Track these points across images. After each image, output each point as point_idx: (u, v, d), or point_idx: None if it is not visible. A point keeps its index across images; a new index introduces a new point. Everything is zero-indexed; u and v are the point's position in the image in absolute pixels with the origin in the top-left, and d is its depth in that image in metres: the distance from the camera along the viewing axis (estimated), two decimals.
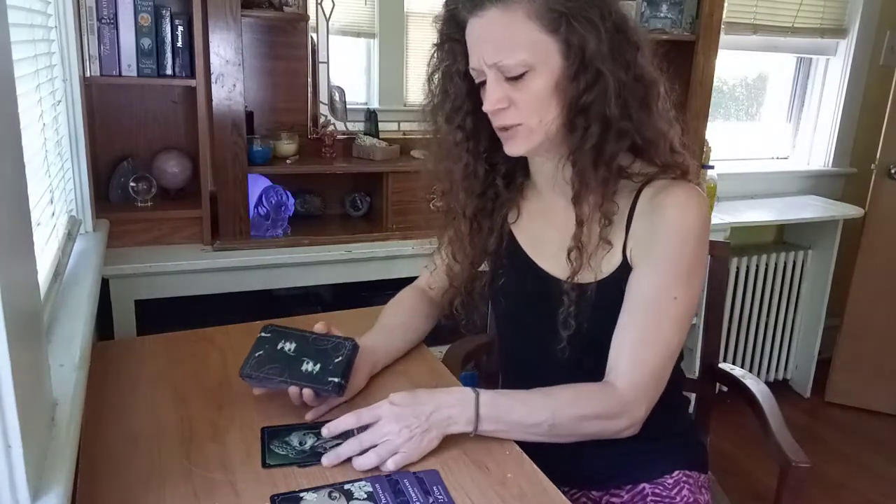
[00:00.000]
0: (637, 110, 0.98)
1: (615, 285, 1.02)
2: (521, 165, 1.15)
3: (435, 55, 1.08)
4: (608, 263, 1.03)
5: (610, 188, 1.00)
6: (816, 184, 3.12)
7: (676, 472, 1.09)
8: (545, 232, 1.13)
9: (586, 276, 1.03)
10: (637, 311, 0.99)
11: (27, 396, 0.65)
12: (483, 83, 1.01)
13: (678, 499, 1.06)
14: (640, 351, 0.98)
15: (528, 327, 1.15)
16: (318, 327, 1.07)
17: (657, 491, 1.07)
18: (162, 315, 1.77)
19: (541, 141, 1.01)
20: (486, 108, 0.99)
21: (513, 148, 1.03)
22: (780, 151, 3.22)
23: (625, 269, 1.02)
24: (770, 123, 3.20)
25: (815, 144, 3.17)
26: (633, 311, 0.99)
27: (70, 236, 1.42)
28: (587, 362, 1.03)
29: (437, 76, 1.09)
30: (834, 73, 3.07)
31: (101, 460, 0.87)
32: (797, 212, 2.81)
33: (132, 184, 1.91)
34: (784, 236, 3.08)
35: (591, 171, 0.99)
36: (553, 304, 1.05)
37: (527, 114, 0.98)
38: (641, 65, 0.98)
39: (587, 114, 0.97)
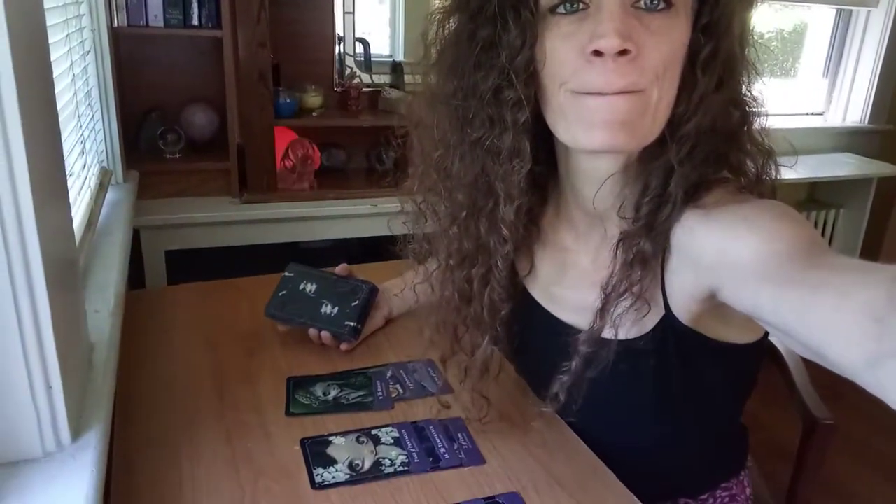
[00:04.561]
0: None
1: (649, 349, 0.76)
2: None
3: None
4: (637, 320, 0.75)
5: (671, 222, 0.71)
6: (851, 141, 3.05)
7: (719, 491, 0.94)
8: (561, 278, 0.86)
9: (606, 333, 0.75)
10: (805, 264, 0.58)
11: (66, 340, 0.67)
12: (574, 10, 0.66)
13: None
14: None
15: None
16: (340, 269, 1.12)
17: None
18: (191, 267, 1.80)
19: (644, 136, 0.68)
20: (602, 45, 0.63)
21: (611, 135, 0.67)
22: (815, 107, 3.14)
23: (668, 328, 0.74)
24: (806, 78, 3.11)
25: (851, 100, 3.08)
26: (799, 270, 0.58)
27: (102, 187, 1.44)
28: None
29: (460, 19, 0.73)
30: (875, 25, 2.96)
31: (137, 402, 0.90)
32: (830, 169, 2.75)
33: (160, 136, 1.93)
34: (815, 194, 3.02)
35: (661, 198, 0.71)
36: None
37: (652, 75, 0.65)
38: None
39: (700, 121, 0.69)
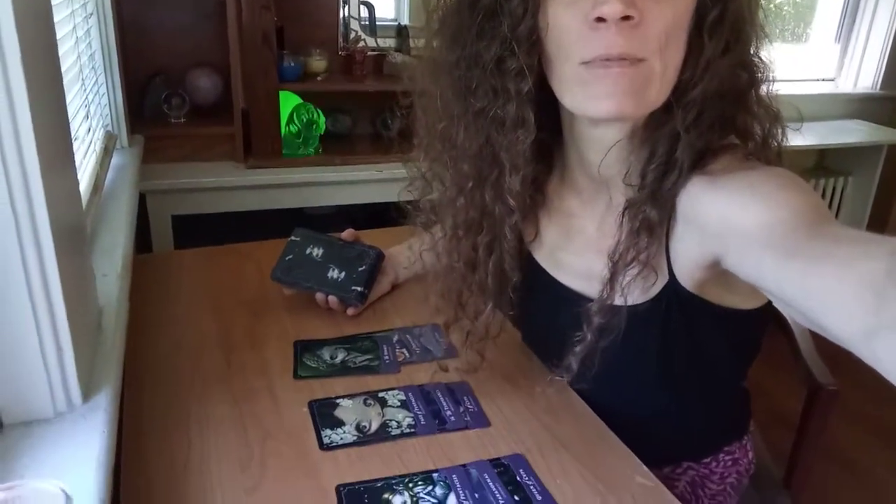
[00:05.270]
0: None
1: (653, 315, 0.76)
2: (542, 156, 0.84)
3: None
4: (644, 288, 0.75)
5: (676, 189, 0.71)
6: (862, 107, 3.01)
7: (721, 455, 0.94)
8: (566, 243, 0.87)
9: (616, 300, 0.75)
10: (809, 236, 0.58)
11: (75, 302, 0.67)
12: None
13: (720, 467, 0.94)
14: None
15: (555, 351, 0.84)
16: (346, 235, 1.12)
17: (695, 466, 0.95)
18: (198, 232, 1.81)
19: (650, 104, 0.68)
20: (605, 11, 0.62)
21: (617, 103, 0.66)
22: (827, 73, 3.10)
23: (672, 294, 0.75)
24: (817, 43, 3.06)
25: (863, 66, 3.03)
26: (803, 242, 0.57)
27: (107, 151, 1.43)
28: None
29: None
30: None
31: (146, 365, 0.91)
32: (840, 136, 2.72)
33: (165, 100, 1.92)
34: (824, 161, 3.00)
35: (667, 165, 0.70)
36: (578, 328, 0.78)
37: (655, 44, 0.64)
38: None
39: (706, 87, 0.68)
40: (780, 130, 0.74)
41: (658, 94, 0.67)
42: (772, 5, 2.89)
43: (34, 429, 0.65)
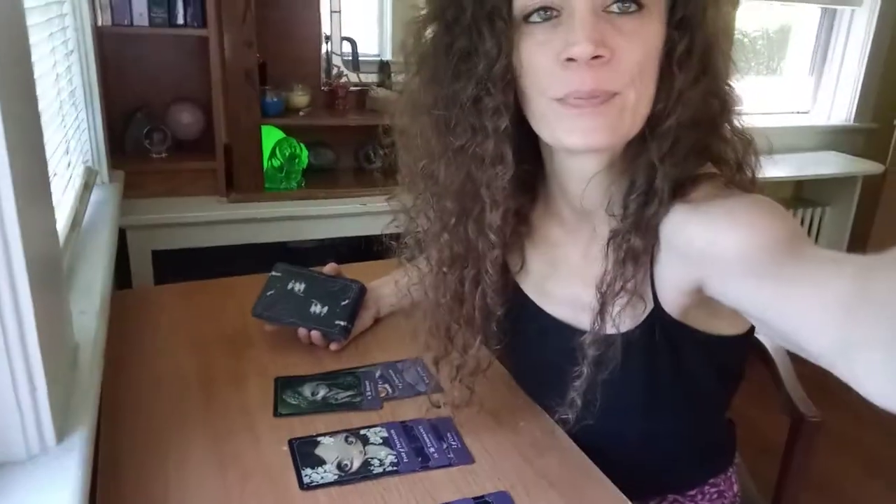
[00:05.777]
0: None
1: (637, 343, 0.76)
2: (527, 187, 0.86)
3: None
4: (634, 315, 0.76)
5: (659, 218, 0.72)
6: (837, 139, 3.07)
7: (707, 487, 0.94)
8: (552, 273, 0.87)
9: (609, 330, 0.76)
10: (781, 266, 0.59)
11: (50, 340, 0.66)
12: (548, 18, 0.67)
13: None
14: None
15: (544, 383, 0.88)
16: (328, 269, 1.12)
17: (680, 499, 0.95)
18: (179, 267, 1.79)
19: (625, 134, 0.70)
20: (575, 52, 0.64)
21: (593, 135, 0.68)
22: (801, 106, 3.16)
23: (656, 321, 0.75)
24: (791, 76, 3.13)
25: (837, 99, 3.11)
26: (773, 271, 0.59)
27: (87, 186, 1.43)
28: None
29: (437, 28, 0.74)
30: (859, 24, 2.99)
31: (123, 403, 0.89)
32: (816, 167, 2.77)
33: (146, 135, 1.91)
34: (802, 192, 3.04)
35: (647, 195, 0.71)
36: (572, 361, 0.78)
37: (627, 77, 0.66)
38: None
39: (680, 116, 0.69)
40: (754, 156, 0.75)
41: (632, 124, 0.69)
42: (745, 39, 2.95)
43: (6, 471, 0.63)
